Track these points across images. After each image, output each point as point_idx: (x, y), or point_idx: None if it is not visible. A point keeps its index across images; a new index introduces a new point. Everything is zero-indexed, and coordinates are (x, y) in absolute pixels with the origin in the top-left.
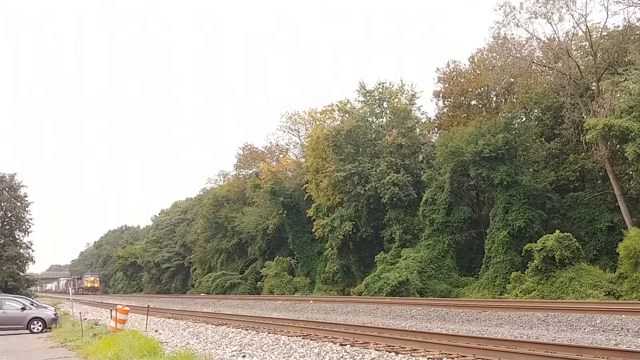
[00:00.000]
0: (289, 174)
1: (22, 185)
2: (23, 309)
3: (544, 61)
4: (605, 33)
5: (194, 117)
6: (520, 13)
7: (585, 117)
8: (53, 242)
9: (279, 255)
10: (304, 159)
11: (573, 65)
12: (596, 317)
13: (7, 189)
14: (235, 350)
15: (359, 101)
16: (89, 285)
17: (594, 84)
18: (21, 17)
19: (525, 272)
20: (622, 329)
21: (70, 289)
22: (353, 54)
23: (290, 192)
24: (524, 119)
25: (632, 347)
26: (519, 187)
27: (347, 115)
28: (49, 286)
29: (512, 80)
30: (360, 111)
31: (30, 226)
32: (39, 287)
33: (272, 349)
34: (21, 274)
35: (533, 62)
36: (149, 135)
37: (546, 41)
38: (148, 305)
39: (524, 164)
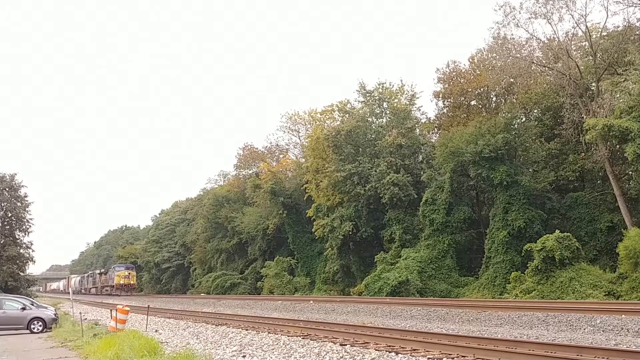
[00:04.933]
0: (289, 174)
1: (22, 185)
2: (23, 309)
3: (544, 61)
4: (605, 33)
5: (194, 116)
6: (520, 13)
7: (585, 117)
8: (53, 242)
9: (279, 255)
10: (304, 159)
11: (573, 65)
12: (596, 317)
13: (7, 189)
14: (236, 350)
15: (359, 101)
16: (121, 281)
17: (593, 84)
18: (20, 15)
19: (525, 272)
20: (622, 329)
21: (69, 288)
22: (353, 54)
23: (290, 192)
24: (524, 119)
25: (632, 347)
26: (518, 187)
27: (347, 115)
28: (54, 285)
29: (512, 80)
30: (360, 111)
31: (30, 226)
32: (41, 287)
33: (272, 349)
34: (21, 274)
35: (533, 63)
36: (149, 135)
37: (546, 41)
38: (148, 305)
39: (523, 164)
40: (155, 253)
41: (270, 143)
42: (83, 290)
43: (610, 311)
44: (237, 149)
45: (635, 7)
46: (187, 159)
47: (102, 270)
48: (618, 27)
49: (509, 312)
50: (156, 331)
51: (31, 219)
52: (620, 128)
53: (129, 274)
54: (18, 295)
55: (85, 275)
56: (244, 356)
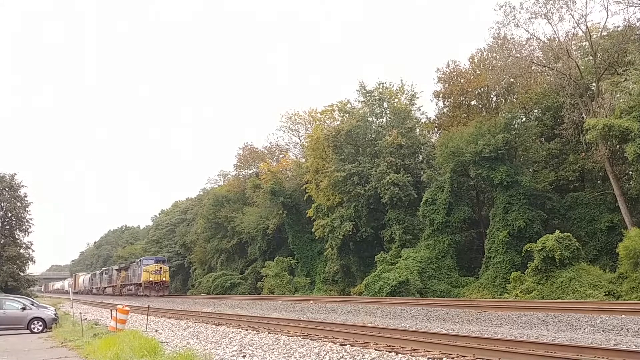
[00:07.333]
0: (289, 174)
1: (22, 185)
2: (23, 309)
3: (544, 61)
4: (605, 33)
5: (194, 116)
6: (520, 13)
7: (585, 117)
8: (53, 242)
9: (279, 255)
10: (304, 159)
11: (573, 65)
12: (596, 317)
13: (7, 189)
14: (236, 350)
15: (359, 101)
16: (151, 278)
17: (594, 84)
18: (24, 17)
19: (525, 272)
20: (622, 329)
21: (76, 288)
22: (353, 54)
23: (290, 192)
24: (524, 119)
25: (632, 347)
26: (519, 187)
27: (347, 115)
28: (57, 285)
29: (512, 80)
30: (360, 111)
31: (30, 226)
32: (42, 287)
33: (272, 349)
34: (21, 274)
35: (533, 62)
36: (150, 135)
37: (546, 41)
38: (148, 305)
39: (524, 164)
40: (155, 253)
41: (270, 143)
42: (95, 290)
43: (610, 311)
44: (237, 148)
45: (635, 7)
46: (187, 159)
47: (122, 265)
48: (618, 27)
49: (509, 312)
50: (156, 331)
51: (31, 219)
52: (621, 128)
53: (161, 268)
54: (18, 295)
55: (98, 272)
56: (244, 356)
